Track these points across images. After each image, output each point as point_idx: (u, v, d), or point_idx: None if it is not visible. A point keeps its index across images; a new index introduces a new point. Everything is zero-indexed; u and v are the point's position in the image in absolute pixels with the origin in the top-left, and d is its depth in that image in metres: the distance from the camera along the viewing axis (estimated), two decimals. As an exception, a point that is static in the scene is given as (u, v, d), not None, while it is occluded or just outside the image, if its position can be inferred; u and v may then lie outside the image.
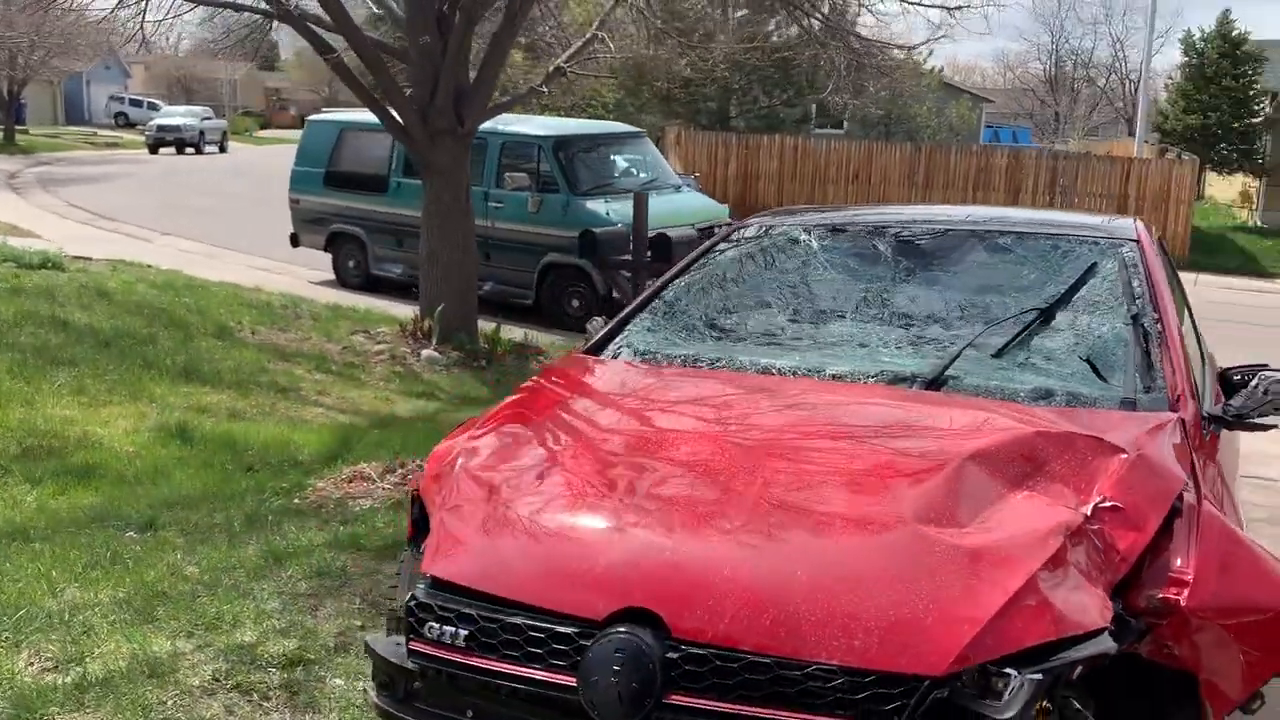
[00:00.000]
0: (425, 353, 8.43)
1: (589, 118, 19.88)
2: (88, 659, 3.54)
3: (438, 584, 2.48)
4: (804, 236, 3.99)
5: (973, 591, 2.15)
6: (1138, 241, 3.71)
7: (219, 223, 17.11)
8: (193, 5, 8.55)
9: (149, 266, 11.57)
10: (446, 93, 8.21)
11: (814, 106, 25.87)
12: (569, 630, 2.26)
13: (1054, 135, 44.32)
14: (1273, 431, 3.33)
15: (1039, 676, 2.09)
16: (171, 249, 14.30)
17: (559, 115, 18.06)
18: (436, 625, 2.41)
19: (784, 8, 13.99)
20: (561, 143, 11.36)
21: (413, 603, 2.48)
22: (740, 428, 2.90)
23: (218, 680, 3.46)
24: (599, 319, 4.19)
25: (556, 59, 10.89)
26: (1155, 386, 3.08)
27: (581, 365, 3.55)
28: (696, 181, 15.47)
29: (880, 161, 20.15)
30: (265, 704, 3.38)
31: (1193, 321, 4.24)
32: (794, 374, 3.27)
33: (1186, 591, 2.34)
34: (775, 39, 22.16)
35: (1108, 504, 2.48)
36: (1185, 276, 6.29)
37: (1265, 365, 3.30)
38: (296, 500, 5.19)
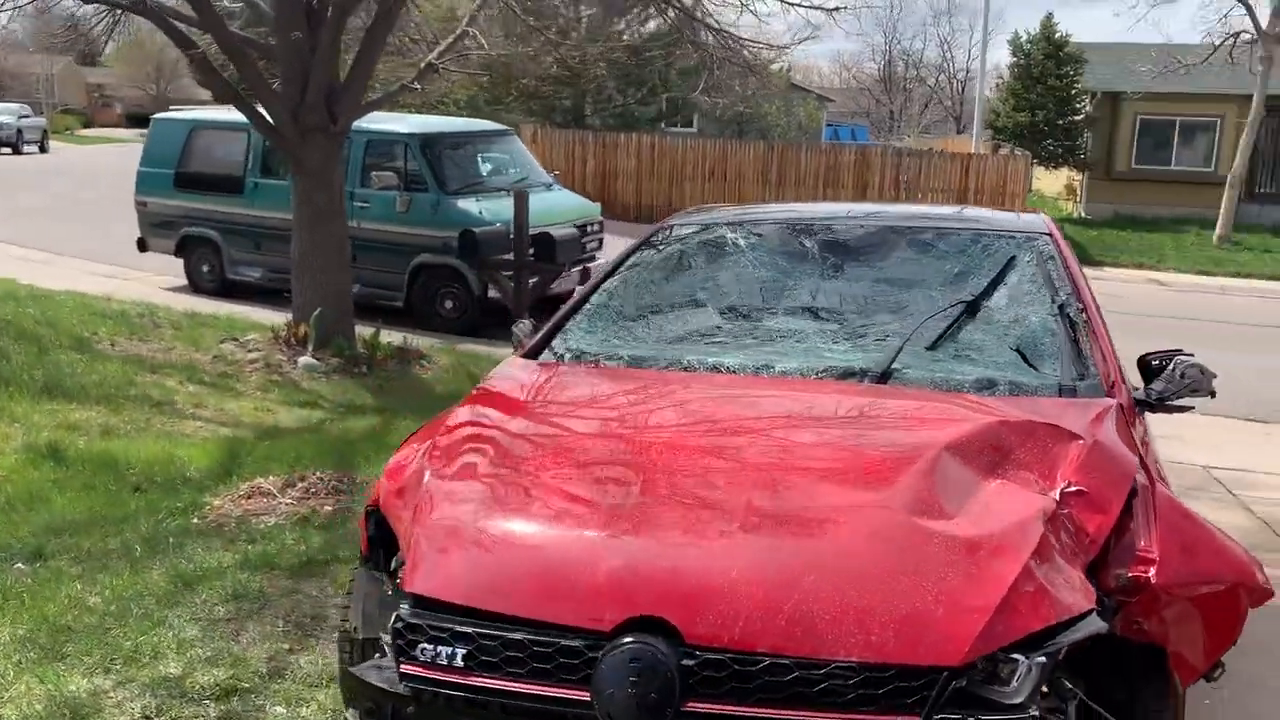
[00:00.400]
0: (303, 360, 8.12)
1: (441, 116, 19.55)
2: (-2, 704, 3.28)
3: (422, 602, 2.38)
4: (733, 235, 4.01)
5: (976, 581, 2.20)
6: (1050, 235, 3.88)
7: (53, 226, 16.06)
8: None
9: (-19, 276, 10.78)
10: (318, 89, 7.93)
11: (665, 104, 26.11)
12: (576, 643, 2.20)
13: (890, 133, 46.06)
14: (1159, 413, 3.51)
15: (1043, 660, 2.16)
16: (1, 255, 13.35)
17: (409, 113, 17.67)
18: (429, 646, 2.32)
19: (644, 3, 14.06)
20: (429, 140, 11.12)
21: (399, 624, 2.38)
22: (710, 428, 2.90)
23: (149, 718, 3.24)
24: (525, 322, 4.13)
25: (424, 56, 10.67)
26: (1089, 374, 3.23)
27: (529, 370, 3.48)
28: (557, 179, 15.42)
29: (735, 160, 20.50)
30: (205, 739, 3.20)
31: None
32: (745, 372, 3.29)
33: (1154, 569, 2.46)
34: (626, 38, 22.25)
35: (1073, 489, 2.58)
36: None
37: (1180, 350, 3.50)
38: (195, 520, 4.92)
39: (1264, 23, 20.53)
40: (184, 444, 6.14)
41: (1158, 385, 3.38)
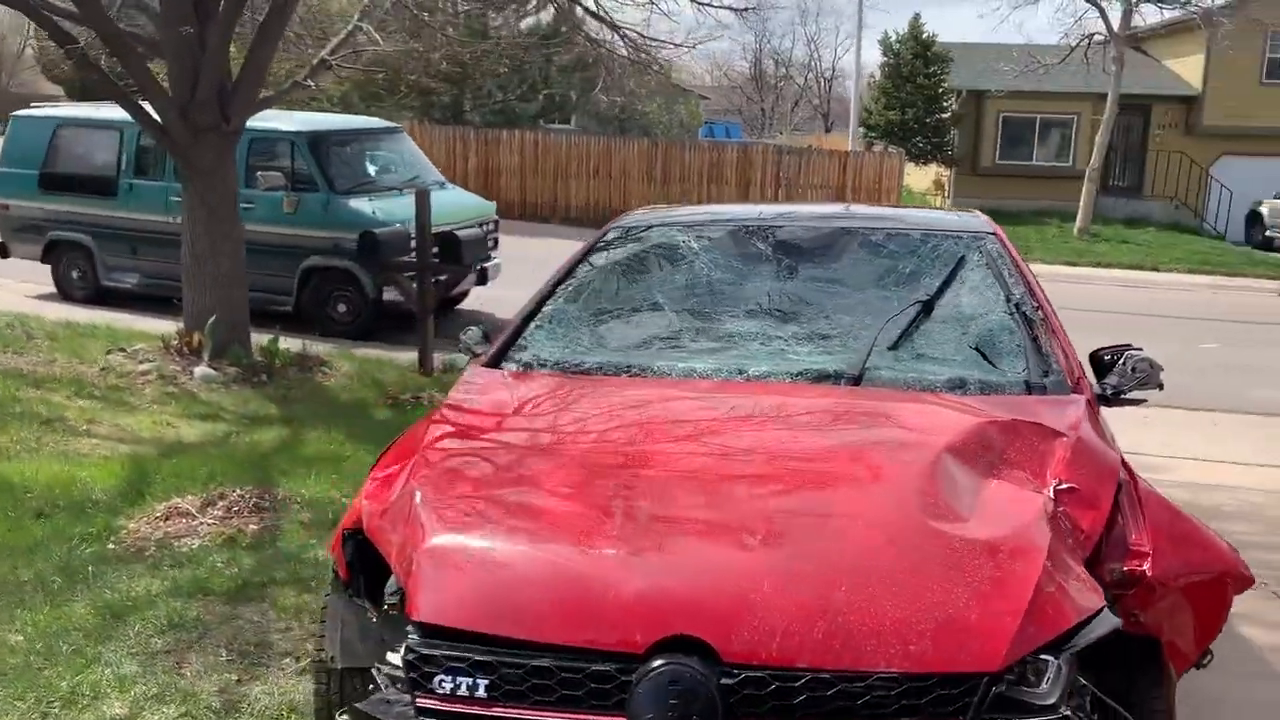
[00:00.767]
0: (199, 370, 7.75)
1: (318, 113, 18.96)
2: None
3: (431, 631, 2.27)
4: (686, 237, 3.98)
5: (1001, 584, 2.21)
6: (995, 234, 3.96)
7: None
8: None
9: None
10: (209, 87, 7.56)
11: (545, 100, 25.93)
12: (607, 667, 2.13)
13: (763, 131, 46.81)
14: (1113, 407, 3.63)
15: (1069, 659, 2.19)
16: None
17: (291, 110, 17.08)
18: (447, 677, 2.21)
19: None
20: (317, 139, 10.74)
21: (411, 655, 2.25)
22: (705, 436, 2.85)
23: (102, 764, 3.03)
24: (474, 329, 4.01)
25: (309, 53, 10.32)
26: (1053, 370, 3.30)
27: (501, 380, 3.37)
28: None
29: (620, 157, 20.52)
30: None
31: None
32: (720, 378, 3.26)
33: (1148, 562, 2.52)
34: (504, 34, 21.99)
35: (1064, 486, 2.63)
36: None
37: (1129, 345, 3.61)
38: (112, 545, 4.63)
39: (1116, 25, 21.61)
40: (84, 464, 5.78)
41: (1112, 379, 3.49)
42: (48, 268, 11.42)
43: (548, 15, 22.21)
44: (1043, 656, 2.16)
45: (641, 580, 2.21)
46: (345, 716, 2.72)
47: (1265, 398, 9.18)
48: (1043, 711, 2.13)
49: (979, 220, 4.14)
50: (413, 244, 8.81)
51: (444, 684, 2.21)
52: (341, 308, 10.66)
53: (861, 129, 26.05)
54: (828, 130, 47.96)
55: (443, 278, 9.03)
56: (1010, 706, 2.12)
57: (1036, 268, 18.89)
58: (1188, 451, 7.38)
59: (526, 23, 21.83)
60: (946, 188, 26.74)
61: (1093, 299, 14.99)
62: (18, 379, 7.39)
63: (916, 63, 25.08)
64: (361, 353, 9.36)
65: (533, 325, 3.68)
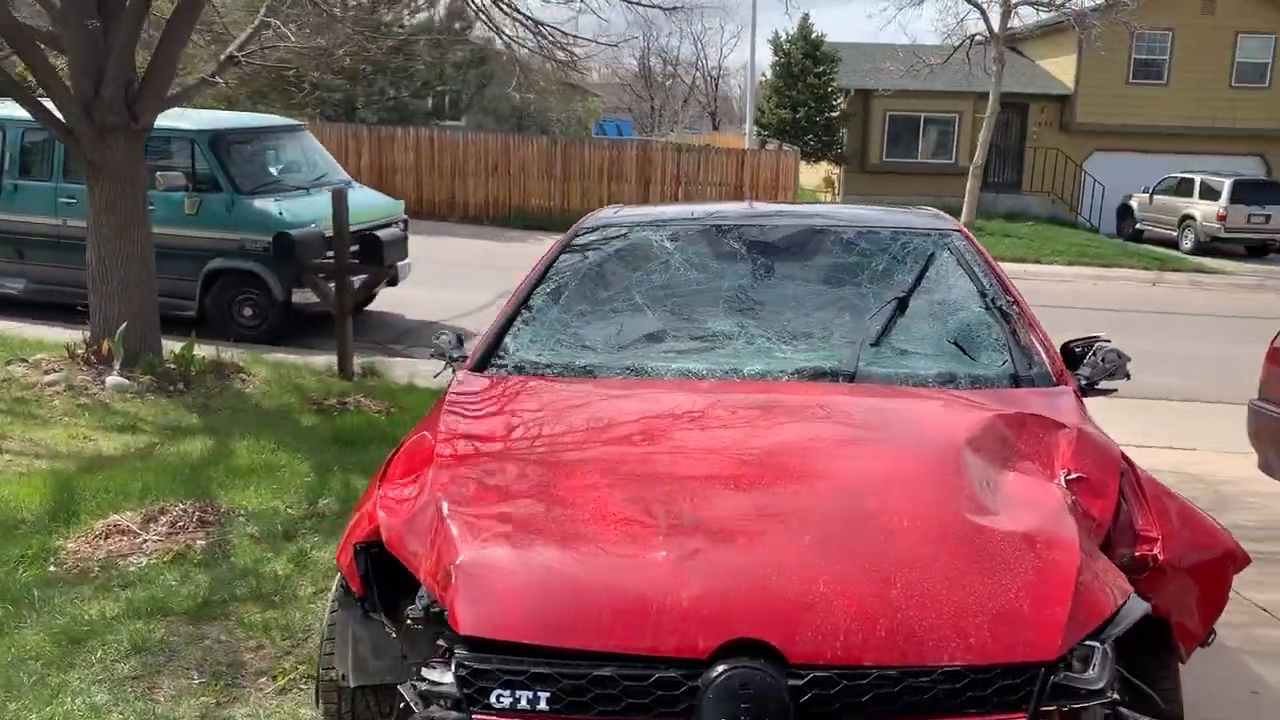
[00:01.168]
0: (111, 380, 7.39)
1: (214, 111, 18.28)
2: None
3: (480, 645, 2.21)
4: (660, 236, 3.97)
5: (1045, 575, 2.27)
6: (961, 231, 4.06)
7: None
8: None
9: None
10: (117, 84, 7.21)
11: (435, 97, 25.54)
12: (673, 674, 2.11)
13: (653, 129, 47.01)
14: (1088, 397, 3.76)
15: (1112, 644, 2.26)
16: None
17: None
18: (505, 691, 2.15)
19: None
20: (218, 137, 10.37)
21: (463, 671, 2.19)
22: (722, 434, 2.84)
23: (92, 800, 2.87)
24: (447, 334, 3.94)
25: (206, 48, 9.95)
26: (1037, 363, 3.40)
27: (497, 384, 3.31)
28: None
29: (519, 155, 20.36)
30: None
31: None
32: (717, 376, 3.26)
33: (1159, 546, 2.62)
34: (397, 30, 21.59)
35: (1074, 476, 2.71)
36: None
37: (1098, 336, 3.74)
38: (53, 568, 4.39)
39: (996, 26, 22.37)
40: (1, 481, 5.45)
41: (1085, 370, 3.61)
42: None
43: (440, 12, 21.92)
44: (1087, 642, 2.22)
45: (698, 584, 2.19)
46: None
47: (1148, 383, 9.62)
48: (1092, 696, 2.18)
49: (940, 218, 4.23)
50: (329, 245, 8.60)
51: (502, 698, 2.15)
52: (247, 311, 10.33)
53: (755, 127, 26.40)
54: (715, 128, 48.46)
55: (363, 279, 8.82)
56: (1065, 694, 2.17)
57: (930, 262, 19.56)
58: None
59: (420, 18, 21.47)
60: (837, 185, 27.31)
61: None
62: (-88, 394, 6.94)
63: (806, 62, 25.54)
64: (274, 357, 9.08)
65: (516, 327, 3.62)
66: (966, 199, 23.12)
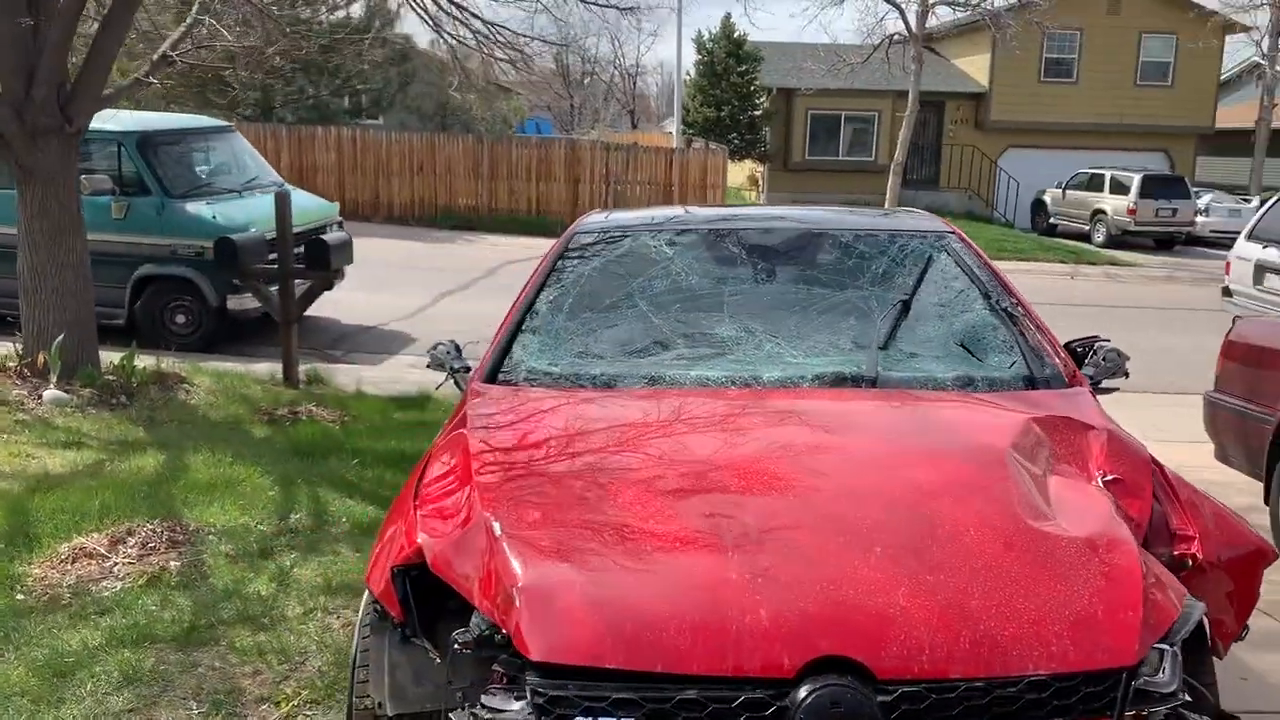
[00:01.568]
0: (48, 394, 7.07)
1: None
2: None
3: (553, 671, 2.13)
4: (656, 241, 3.92)
5: (1113, 580, 2.27)
6: (955, 233, 4.08)
7: None
8: None
9: None
10: (49, 85, 6.90)
11: (354, 96, 25.08)
12: (761, 694, 2.06)
13: (572, 127, 46.84)
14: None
15: (1179, 646, 2.27)
16: None
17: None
18: (586, 719, 2.08)
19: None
20: (147, 139, 10.02)
21: (539, 699, 2.11)
22: (769, 445, 2.80)
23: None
24: (444, 344, 3.85)
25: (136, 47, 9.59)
26: (1049, 364, 3.43)
27: (518, 396, 3.22)
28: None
29: (445, 154, 20.09)
30: None
31: None
32: (740, 384, 3.22)
33: (1196, 545, 2.65)
34: (315, 27, 21.12)
35: (1109, 477, 2.74)
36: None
37: (1097, 336, 3.80)
38: (21, 596, 4.16)
39: (914, 25, 22.77)
40: (-54, 506, 5.16)
41: (1089, 370, 3.66)
42: None
43: (359, 9, 21.51)
44: (1157, 646, 2.24)
45: (776, 600, 2.15)
46: None
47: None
48: (1166, 699, 2.20)
49: (931, 219, 4.26)
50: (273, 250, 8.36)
51: (587, 728, 2.08)
52: (180, 319, 10.01)
53: (681, 125, 26.49)
54: (634, 126, 48.44)
55: (308, 284, 8.60)
56: (1142, 698, 2.18)
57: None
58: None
59: (338, 15, 21.04)
60: (761, 183, 27.54)
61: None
62: None
63: (729, 61, 25.71)
64: (215, 366, 8.79)
65: (525, 336, 3.54)
66: (887, 196, 23.49)
